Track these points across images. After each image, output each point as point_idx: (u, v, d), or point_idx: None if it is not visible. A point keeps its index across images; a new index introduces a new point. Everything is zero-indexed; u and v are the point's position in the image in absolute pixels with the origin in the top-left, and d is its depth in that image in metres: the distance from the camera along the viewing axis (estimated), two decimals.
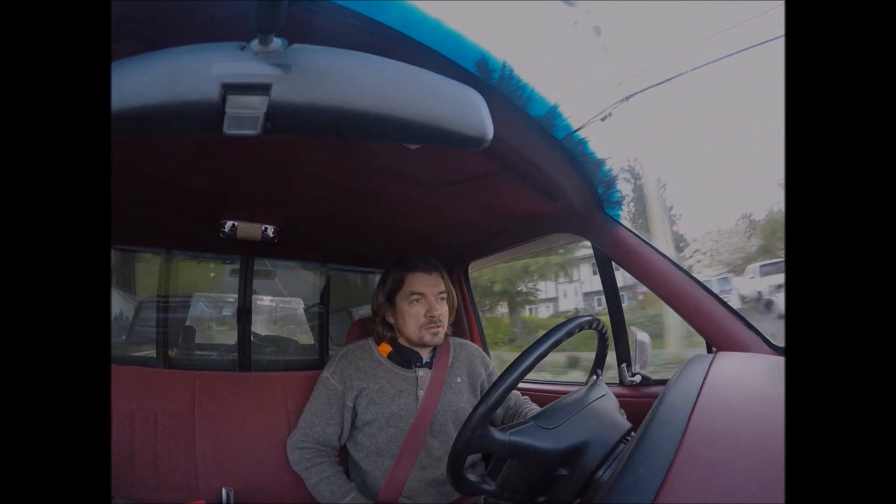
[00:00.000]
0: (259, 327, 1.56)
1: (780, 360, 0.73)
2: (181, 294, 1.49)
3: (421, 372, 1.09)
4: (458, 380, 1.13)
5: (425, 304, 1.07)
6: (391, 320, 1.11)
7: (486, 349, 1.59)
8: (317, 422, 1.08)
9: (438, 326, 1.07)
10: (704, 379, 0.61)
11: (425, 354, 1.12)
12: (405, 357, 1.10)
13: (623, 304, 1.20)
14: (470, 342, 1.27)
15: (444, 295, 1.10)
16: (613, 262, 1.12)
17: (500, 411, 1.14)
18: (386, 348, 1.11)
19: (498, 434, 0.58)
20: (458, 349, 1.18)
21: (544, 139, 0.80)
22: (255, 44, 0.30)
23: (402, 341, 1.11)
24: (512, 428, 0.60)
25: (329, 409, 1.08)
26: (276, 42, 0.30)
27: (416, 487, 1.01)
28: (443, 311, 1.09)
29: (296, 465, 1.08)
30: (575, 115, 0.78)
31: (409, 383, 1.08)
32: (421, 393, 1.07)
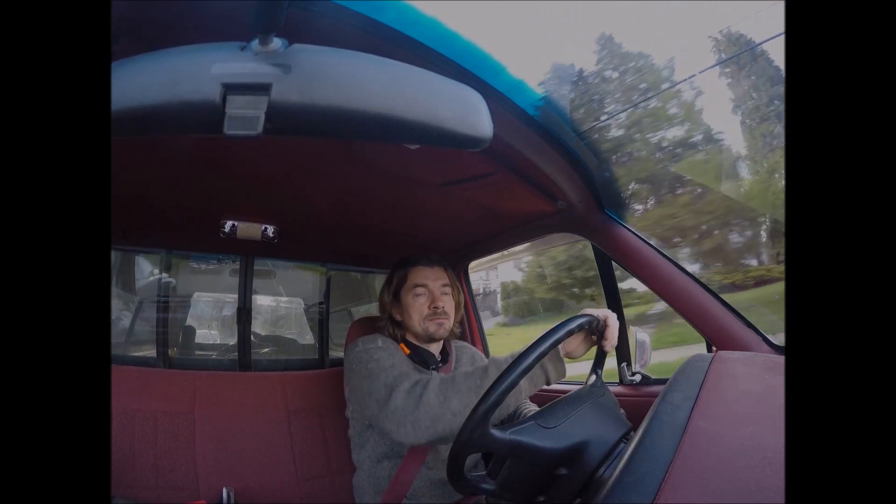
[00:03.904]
0: (259, 327, 1.56)
1: (780, 360, 0.73)
2: (181, 294, 1.49)
3: (434, 374, 1.08)
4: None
5: (429, 297, 1.07)
6: (398, 317, 1.10)
7: (486, 350, 1.59)
8: (395, 367, 0.94)
9: (443, 318, 1.06)
10: (704, 378, 0.61)
11: (436, 353, 1.11)
12: (423, 358, 1.08)
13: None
14: (468, 344, 1.28)
15: (448, 289, 1.10)
16: (613, 262, 1.13)
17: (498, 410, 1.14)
18: (405, 349, 1.09)
19: (498, 433, 0.58)
20: (459, 352, 1.19)
21: (544, 139, 0.81)
22: (255, 44, 0.30)
23: (410, 338, 1.10)
24: (512, 427, 0.60)
25: (395, 358, 0.98)
26: (276, 42, 0.30)
27: (420, 487, 1.01)
28: (447, 303, 1.08)
29: (407, 416, 0.82)
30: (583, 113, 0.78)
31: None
32: None
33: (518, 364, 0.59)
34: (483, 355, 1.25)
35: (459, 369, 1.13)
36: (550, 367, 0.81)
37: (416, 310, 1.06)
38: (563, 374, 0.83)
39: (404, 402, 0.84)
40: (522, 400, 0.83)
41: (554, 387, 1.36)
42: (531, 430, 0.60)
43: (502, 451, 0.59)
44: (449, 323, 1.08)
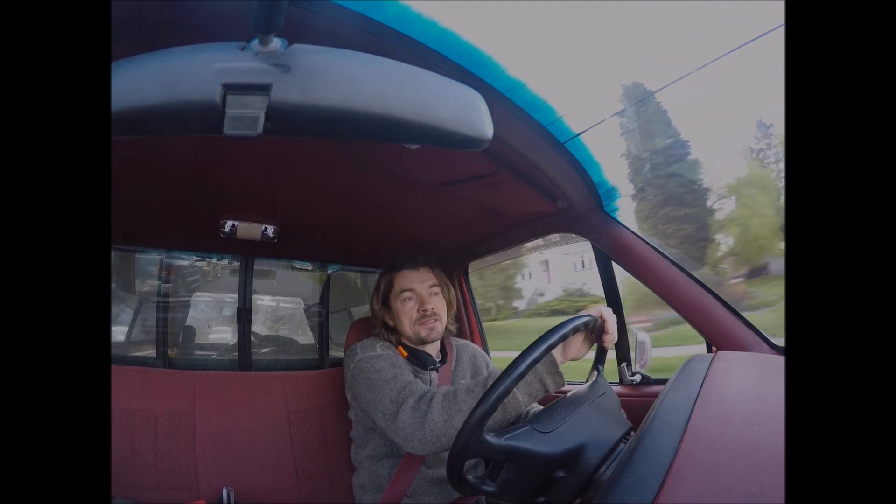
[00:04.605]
0: (259, 327, 1.56)
1: (780, 360, 0.73)
2: (181, 294, 1.49)
3: (434, 375, 1.08)
4: (463, 382, 1.12)
5: (417, 300, 1.06)
6: (391, 323, 1.10)
7: (486, 350, 1.59)
8: (397, 378, 0.94)
9: (434, 321, 1.06)
10: (704, 379, 0.61)
11: (434, 354, 1.11)
12: (421, 359, 1.08)
13: None
14: (470, 342, 1.28)
15: (437, 289, 1.09)
16: (613, 262, 1.12)
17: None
18: (402, 352, 1.08)
19: (493, 439, 0.58)
20: (460, 351, 1.18)
21: (544, 139, 0.80)
22: (254, 44, 0.30)
23: (405, 341, 1.10)
24: (508, 433, 0.60)
25: (397, 367, 0.98)
26: (276, 42, 0.30)
27: (420, 486, 1.01)
28: (437, 304, 1.08)
29: (414, 432, 0.84)
30: (576, 117, 0.78)
31: (425, 384, 1.07)
32: None
33: (513, 369, 0.59)
34: (484, 353, 1.25)
35: (459, 369, 1.14)
36: (548, 379, 0.81)
37: (406, 314, 1.06)
38: (562, 384, 0.83)
39: (411, 420, 0.85)
40: (522, 412, 0.83)
41: None
42: (527, 436, 0.60)
43: (498, 457, 0.59)
44: (441, 325, 1.08)
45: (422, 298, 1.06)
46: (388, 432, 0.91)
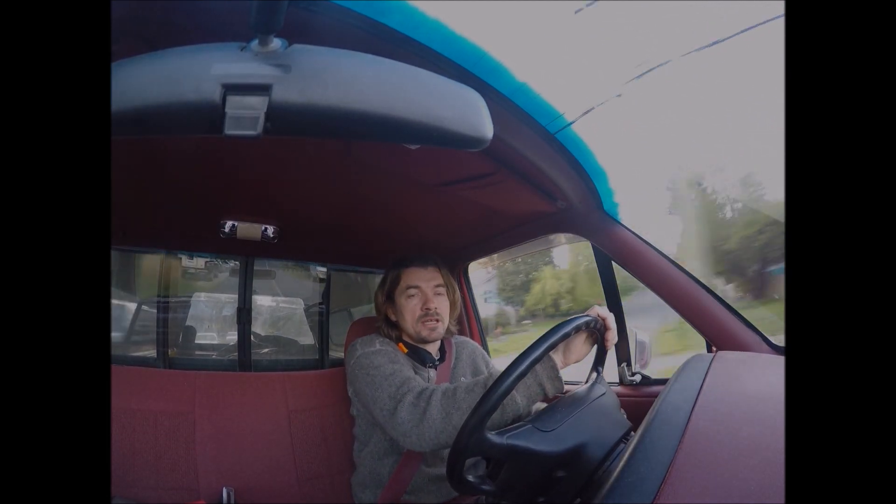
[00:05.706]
0: (259, 327, 1.56)
1: (780, 360, 0.73)
2: (181, 294, 1.49)
3: (432, 373, 1.08)
4: (462, 380, 1.12)
5: (422, 298, 1.07)
6: (393, 318, 1.11)
7: (486, 349, 1.59)
8: (396, 374, 0.94)
9: (436, 321, 1.06)
10: (704, 378, 0.61)
11: (434, 352, 1.11)
12: (420, 356, 1.08)
13: None
14: (469, 339, 1.28)
15: (442, 289, 1.10)
16: (613, 262, 1.12)
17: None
18: (402, 349, 1.09)
19: (495, 438, 0.58)
20: (459, 348, 1.19)
21: (544, 139, 0.80)
22: (254, 44, 0.30)
23: (406, 338, 1.10)
24: (509, 431, 0.60)
25: (396, 363, 0.98)
26: (276, 42, 0.30)
27: (419, 483, 1.02)
28: (440, 304, 1.08)
29: (412, 428, 0.84)
30: (572, 109, 0.77)
31: (424, 381, 1.07)
32: None
33: (515, 368, 0.59)
34: (484, 351, 1.25)
35: (459, 367, 1.14)
36: (548, 384, 0.80)
37: (409, 311, 1.06)
38: (561, 389, 0.81)
39: (409, 417, 0.85)
40: (520, 414, 0.83)
41: None
42: (528, 434, 0.60)
43: (499, 455, 0.59)
44: (442, 326, 1.08)
45: (426, 297, 1.07)
46: (387, 428, 0.91)
